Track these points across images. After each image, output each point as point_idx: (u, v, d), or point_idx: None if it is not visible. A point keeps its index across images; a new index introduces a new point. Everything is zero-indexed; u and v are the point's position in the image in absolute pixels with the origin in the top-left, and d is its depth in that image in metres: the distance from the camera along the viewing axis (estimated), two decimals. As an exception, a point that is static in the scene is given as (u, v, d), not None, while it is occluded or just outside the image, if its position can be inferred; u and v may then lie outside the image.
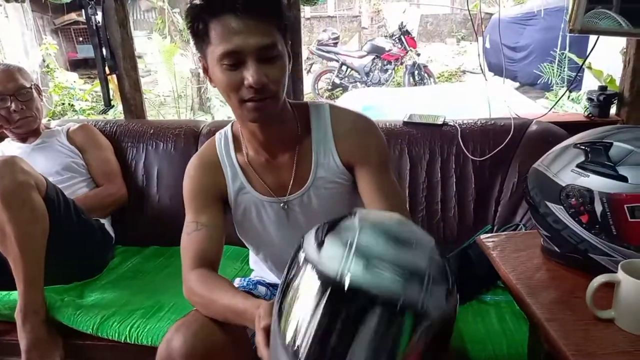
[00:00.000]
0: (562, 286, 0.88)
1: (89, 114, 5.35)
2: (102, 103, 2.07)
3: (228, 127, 1.12)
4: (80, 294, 1.44)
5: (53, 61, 6.01)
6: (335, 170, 1.07)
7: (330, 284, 0.60)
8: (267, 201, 1.08)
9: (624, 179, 0.79)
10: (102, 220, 1.65)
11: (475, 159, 1.66)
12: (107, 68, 1.94)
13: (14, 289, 1.32)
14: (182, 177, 1.72)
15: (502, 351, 1.16)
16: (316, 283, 0.61)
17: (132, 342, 1.28)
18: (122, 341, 1.29)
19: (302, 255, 0.66)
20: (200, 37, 0.92)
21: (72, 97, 5.63)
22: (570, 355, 0.70)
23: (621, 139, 0.83)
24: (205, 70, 0.97)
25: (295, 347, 0.62)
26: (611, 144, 0.83)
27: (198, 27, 0.91)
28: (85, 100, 5.66)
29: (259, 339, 0.76)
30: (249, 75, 0.88)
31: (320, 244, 0.65)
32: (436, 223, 1.67)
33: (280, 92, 0.95)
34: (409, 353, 0.60)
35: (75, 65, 7.70)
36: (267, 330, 0.74)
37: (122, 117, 2.10)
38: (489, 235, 1.11)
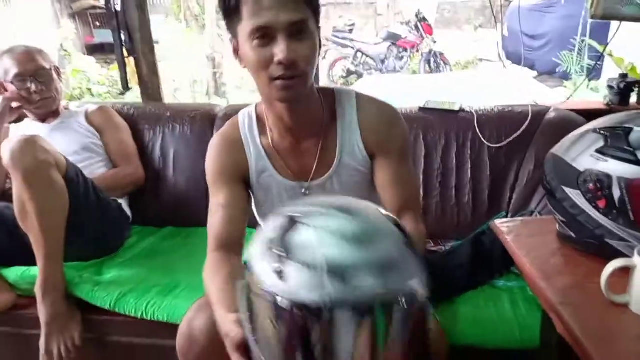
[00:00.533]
0: (577, 271, 0.87)
1: (105, 98, 5.41)
2: (119, 87, 2.10)
3: (252, 108, 1.11)
4: (99, 271, 1.47)
5: (70, 45, 6.06)
6: (359, 158, 1.06)
7: (319, 315, 0.57)
8: (289, 185, 1.08)
9: (643, 164, 0.78)
10: (120, 200, 1.67)
11: (492, 145, 1.65)
12: (125, 51, 1.95)
13: (35, 264, 1.35)
14: (198, 159, 1.77)
15: (514, 336, 1.17)
16: (300, 317, 0.58)
17: (149, 319, 1.31)
18: (139, 317, 1.32)
19: (265, 289, 0.61)
20: (232, 14, 0.91)
21: (89, 81, 5.69)
22: (585, 340, 0.70)
23: (642, 123, 0.82)
24: (236, 52, 0.96)
25: None
26: (631, 129, 0.82)
27: (230, 3, 0.90)
28: (102, 85, 5.71)
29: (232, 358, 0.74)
30: (279, 51, 0.87)
31: (280, 273, 0.60)
32: (450, 209, 1.66)
33: (309, 72, 0.94)
34: (410, 336, 0.61)
35: (92, 49, 7.76)
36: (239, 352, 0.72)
37: (139, 100, 2.12)
38: (504, 220, 1.10)
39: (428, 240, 1.17)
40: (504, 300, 1.28)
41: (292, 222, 0.63)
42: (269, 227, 0.66)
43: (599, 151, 0.84)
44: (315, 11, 0.93)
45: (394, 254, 0.62)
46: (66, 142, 1.68)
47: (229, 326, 0.75)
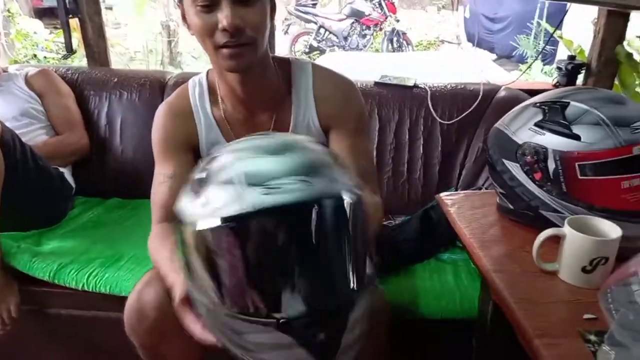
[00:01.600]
0: (513, 241, 0.91)
1: (49, 62, 5.13)
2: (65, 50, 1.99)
3: (202, 76, 1.06)
4: (38, 242, 1.41)
5: (15, 6, 5.69)
6: (313, 132, 1.04)
7: (244, 226, 0.57)
8: None
9: (577, 137, 0.81)
10: (62, 169, 1.60)
11: (444, 122, 1.67)
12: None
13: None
14: (146, 128, 1.69)
15: (454, 305, 1.20)
16: (226, 233, 0.58)
17: (90, 290, 1.27)
18: (80, 289, 1.28)
19: (191, 225, 0.61)
20: None
21: (36, 46, 5.37)
22: (513, 302, 0.73)
23: (578, 98, 0.84)
24: (184, 17, 0.92)
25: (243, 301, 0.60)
26: (568, 103, 0.85)
27: None
28: (50, 51, 5.41)
29: (179, 316, 0.74)
30: (223, 17, 0.83)
31: (203, 202, 0.60)
32: (402, 184, 1.68)
33: (260, 39, 0.89)
34: (362, 228, 0.63)
35: (41, 13, 7.31)
36: (184, 305, 0.73)
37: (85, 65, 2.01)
38: (448, 193, 1.13)
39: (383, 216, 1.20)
40: (448, 273, 1.31)
41: (212, 156, 0.65)
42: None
43: (537, 124, 0.86)
44: None
45: (314, 160, 0.62)
46: (4, 107, 1.59)
47: (175, 286, 0.76)
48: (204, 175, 0.63)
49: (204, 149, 1.04)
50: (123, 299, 1.24)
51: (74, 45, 2.00)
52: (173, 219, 0.94)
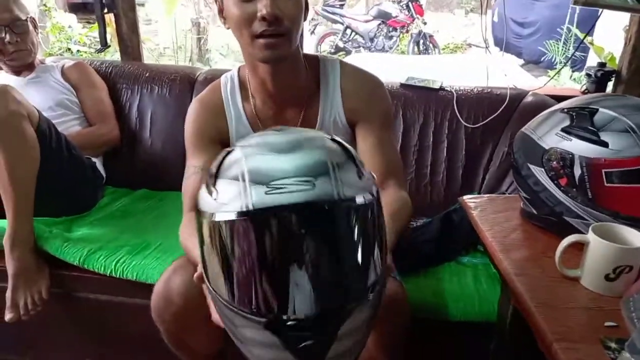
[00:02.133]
0: (535, 246, 0.91)
1: (82, 55, 5.26)
2: (99, 45, 2.05)
3: (234, 72, 1.09)
4: (69, 228, 1.46)
5: (51, 1, 5.85)
6: (340, 129, 1.06)
7: (245, 222, 0.58)
8: None
9: (605, 144, 0.81)
10: (94, 159, 1.65)
11: (469, 125, 1.67)
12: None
13: (4, 217, 1.33)
14: (176, 122, 1.76)
15: (473, 308, 1.21)
16: (229, 227, 0.60)
17: (117, 276, 1.31)
18: (108, 274, 1.32)
19: (206, 215, 0.63)
20: None
21: (70, 40, 5.52)
22: (533, 306, 0.74)
23: (607, 105, 0.84)
24: (221, 12, 0.95)
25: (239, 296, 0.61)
26: (597, 110, 0.84)
27: None
28: (83, 44, 5.55)
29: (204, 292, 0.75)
30: (263, 6, 0.86)
31: (212, 193, 0.63)
32: (424, 186, 1.69)
33: (294, 31, 0.92)
34: (363, 237, 0.62)
35: (75, 8, 7.49)
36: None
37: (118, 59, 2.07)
38: (472, 196, 1.13)
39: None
40: (467, 276, 1.31)
41: (227, 150, 0.66)
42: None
43: (564, 130, 0.86)
44: None
45: (323, 160, 0.61)
46: (40, 97, 1.65)
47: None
48: (214, 169, 0.65)
49: (234, 143, 1.06)
50: (149, 286, 1.28)
51: (108, 40, 2.06)
52: None
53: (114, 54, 3.55)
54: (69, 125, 1.66)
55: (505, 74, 1.99)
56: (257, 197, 0.58)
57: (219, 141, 1.06)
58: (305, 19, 0.97)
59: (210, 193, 0.63)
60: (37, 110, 1.40)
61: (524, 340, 0.81)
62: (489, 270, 1.33)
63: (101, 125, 1.71)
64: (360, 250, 0.62)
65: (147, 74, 1.82)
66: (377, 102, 1.07)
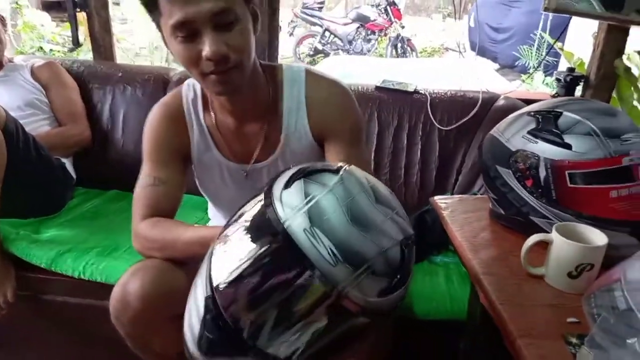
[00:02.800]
0: (503, 245, 0.92)
1: (55, 54, 5.15)
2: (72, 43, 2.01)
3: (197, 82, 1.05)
4: (36, 230, 1.43)
5: (24, -1, 5.71)
6: (305, 142, 1.03)
7: (268, 226, 0.60)
8: (231, 166, 1.05)
9: (568, 146, 0.83)
10: (63, 160, 1.62)
11: (442, 128, 1.69)
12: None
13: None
14: None
15: (445, 307, 1.22)
16: (260, 220, 0.62)
17: (87, 279, 1.29)
18: (76, 277, 1.29)
19: (267, 190, 0.64)
20: (151, 7, 0.86)
21: (42, 38, 5.40)
22: (499, 304, 0.75)
23: (571, 109, 0.86)
24: (165, 43, 0.90)
25: (217, 281, 0.63)
26: (561, 113, 0.87)
27: None
28: (56, 43, 5.43)
29: None
30: (206, 47, 0.81)
31: (287, 184, 0.63)
32: (398, 188, 1.70)
33: (245, 59, 0.88)
34: (313, 321, 0.60)
35: (48, 6, 7.33)
36: None
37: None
38: (443, 197, 1.15)
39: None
40: (439, 275, 1.33)
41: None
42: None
43: (530, 133, 0.88)
44: None
45: (365, 256, 0.60)
46: (8, 97, 1.61)
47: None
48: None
49: (195, 155, 1.05)
50: (119, 289, 1.27)
51: (81, 39, 2.02)
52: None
53: (87, 54, 3.48)
54: (38, 125, 1.63)
55: (478, 77, 2.03)
56: (296, 225, 0.60)
57: (181, 154, 1.03)
58: (255, 33, 0.91)
59: (286, 181, 0.65)
60: (4, 110, 1.37)
61: (493, 337, 0.82)
62: (460, 269, 1.35)
63: (72, 125, 1.68)
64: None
65: (119, 74, 1.79)
66: (346, 116, 1.02)
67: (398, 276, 0.64)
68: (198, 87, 1.04)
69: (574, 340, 0.68)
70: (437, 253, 1.43)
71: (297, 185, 0.63)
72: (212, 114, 1.03)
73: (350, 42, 7.09)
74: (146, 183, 0.99)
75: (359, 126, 1.06)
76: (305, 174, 0.65)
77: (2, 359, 1.50)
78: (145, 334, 0.96)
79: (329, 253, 0.58)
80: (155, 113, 1.04)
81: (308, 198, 0.61)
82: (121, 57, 2.03)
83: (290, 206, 0.61)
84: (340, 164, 0.67)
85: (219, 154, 1.04)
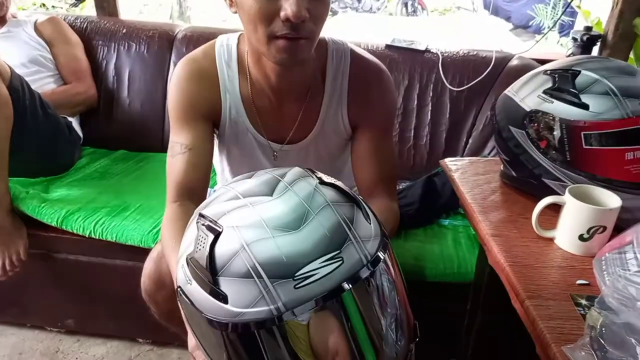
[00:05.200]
0: (513, 207, 0.91)
1: (58, 10, 5.06)
2: (74, -1, 1.96)
3: (233, 42, 0.95)
4: (46, 189, 1.44)
5: (24, -48, 5.55)
6: (341, 129, 0.99)
7: (276, 326, 0.51)
8: (261, 142, 0.99)
9: (585, 107, 0.80)
10: (70, 119, 1.61)
11: (453, 89, 1.65)
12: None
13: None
14: (154, 81, 1.72)
15: (452, 269, 1.23)
16: (254, 337, 0.52)
17: (97, 237, 1.30)
18: (87, 236, 1.31)
19: (215, 324, 0.54)
20: None
21: (44, -6, 5.29)
22: (507, 265, 0.75)
23: (589, 67, 0.83)
24: None
25: None
26: (579, 72, 0.83)
27: None
28: (58, 0, 5.32)
29: None
30: (289, 5, 0.73)
31: (217, 297, 0.53)
32: (407, 150, 1.69)
33: (317, 34, 0.81)
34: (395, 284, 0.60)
35: (49, -40, 7.15)
36: None
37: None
38: (453, 159, 1.13)
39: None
40: (448, 238, 1.33)
41: (210, 231, 0.55)
42: (186, 240, 0.60)
43: (546, 92, 0.85)
44: None
45: (336, 224, 0.55)
46: (12, 53, 1.59)
47: None
48: (206, 263, 0.53)
49: (226, 124, 0.96)
50: (129, 248, 1.29)
51: (83, -6, 1.98)
52: (189, 196, 0.87)
53: (90, 10, 3.41)
54: (43, 83, 1.61)
55: (490, 38, 1.96)
56: (286, 295, 0.50)
57: (210, 117, 0.94)
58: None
59: (215, 296, 0.52)
60: (9, 67, 1.35)
61: (500, 299, 0.83)
62: (468, 232, 1.35)
63: (77, 83, 1.66)
64: (396, 298, 0.60)
65: (124, 30, 1.75)
66: (384, 108, 0.98)
67: (352, 197, 0.61)
68: (234, 48, 0.94)
69: (583, 301, 0.68)
70: (445, 216, 1.42)
71: (228, 281, 0.53)
72: (249, 85, 0.94)
73: (359, 0, 6.89)
74: (174, 152, 0.90)
75: (392, 117, 1.03)
76: (193, 269, 0.56)
77: (15, 316, 1.54)
78: (178, 309, 0.96)
79: (329, 263, 0.53)
80: (183, 69, 0.93)
81: (254, 273, 0.52)
82: (125, 13, 1.98)
83: (252, 298, 0.52)
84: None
85: (251, 126, 0.97)
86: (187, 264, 0.57)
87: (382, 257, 0.57)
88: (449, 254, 1.27)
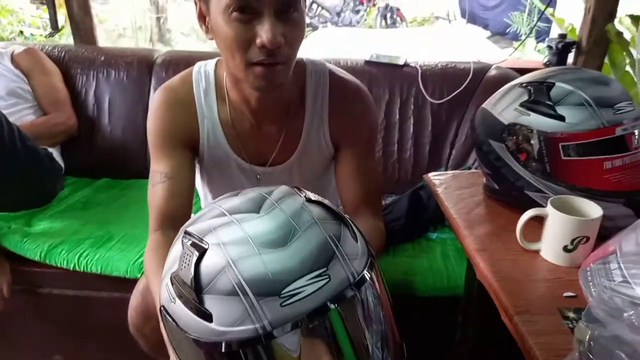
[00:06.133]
0: (497, 221, 0.92)
1: (36, 38, 5.03)
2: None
3: (210, 68, 0.96)
4: (28, 222, 1.41)
5: (0, -19, 5.53)
6: (324, 148, 0.99)
7: (262, 345, 0.51)
8: (245, 166, 0.98)
9: (561, 118, 0.81)
10: (50, 150, 1.59)
11: (434, 101, 1.67)
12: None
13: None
14: (135, 107, 1.71)
15: (442, 283, 1.23)
16: (240, 355, 0.51)
17: (81, 270, 1.28)
18: (71, 269, 1.28)
19: (201, 344, 0.53)
20: None
21: (22, 23, 5.26)
22: (495, 280, 0.75)
23: (563, 79, 0.85)
24: (202, 17, 0.82)
25: None
26: (554, 84, 0.85)
27: None
28: (37, 27, 5.30)
29: None
30: (264, 32, 0.73)
31: (202, 315, 0.52)
32: (392, 164, 1.69)
33: (293, 58, 0.82)
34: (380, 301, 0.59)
35: (27, -12, 7.12)
36: None
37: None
38: (436, 173, 1.14)
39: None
40: (436, 252, 1.33)
41: (196, 248, 0.55)
42: (171, 258, 0.60)
43: (523, 105, 0.86)
44: None
45: (323, 241, 0.55)
46: (-11, 86, 1.57)
47: None
48: (191, 280, 0.53)
49: (205, 150, 0.96)
50: (114, 279, 1.27)
51: (60, 22, 1.97)
52: (171, 225, 0.87)
53: (69, 37, 3.40)
54: (22, 115, 1.59)
55: (469, 46, 1.99)
56: (272, 313, 0.50)
57: (189, 145, 0.94)
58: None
59: (199, 314, 0.52)
60: (-14, 101, 1.33)
61: (490, 313, 0.83)
62: (456, 245, 1.35)
63: (56, 113, 1.64)
64: (382, 317, 0.60)
65: (102, 58, 1.75)
66: (365, 127, 0.98)
67: (339, 216, 0.61)
68: (211, 75, 0.95)
69: (570, 314, 0.68)
70: (433, 230, 1.43)
71: (213, 298, 0.53)
72: (227, 108, 0.94)
73: (338, 14, 6.97)
74: (154, 181, 0.91)
75: (374, 135, 1.03)
76: (178, 287, 0.56)
77: (1, 353, 1.50)
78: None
79: (316, 280, 0.53)
80: (160, 97, 0.94)
81: (240, 291, 0.52)
82: (104, 38, 1.97)
83: (242, 316, 0.51)
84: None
85: (231, 151, 0.96)
86: (172, 282, 0.56)
87: (369, 276, 0.57)
88: (438, 267, 1.27)
